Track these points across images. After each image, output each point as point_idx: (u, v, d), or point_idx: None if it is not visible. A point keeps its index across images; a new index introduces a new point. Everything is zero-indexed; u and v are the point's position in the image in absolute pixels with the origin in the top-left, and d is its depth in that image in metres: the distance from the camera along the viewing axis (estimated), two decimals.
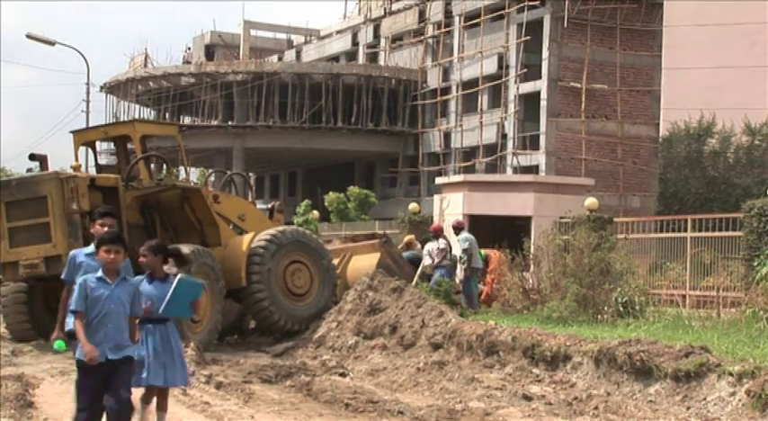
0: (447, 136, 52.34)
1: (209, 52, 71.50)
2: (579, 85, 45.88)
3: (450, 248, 22.59)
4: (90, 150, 20.92)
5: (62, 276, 10.19)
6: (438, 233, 22.88)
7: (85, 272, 9.15)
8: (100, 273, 8.28)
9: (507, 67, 48.03)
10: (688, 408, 11.66)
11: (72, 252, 10.28)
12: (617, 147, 46.65)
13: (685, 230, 23.06)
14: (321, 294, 19.28)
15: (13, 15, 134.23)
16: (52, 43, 42.30)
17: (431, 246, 22.41)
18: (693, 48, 39.32)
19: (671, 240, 23.42)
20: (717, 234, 22.32)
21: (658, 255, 23.72)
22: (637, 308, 18.08)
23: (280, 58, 65.32)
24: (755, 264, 19.14)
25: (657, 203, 47.09)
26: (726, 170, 46.37)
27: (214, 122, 57.79)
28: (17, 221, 17.36)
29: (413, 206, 32.43)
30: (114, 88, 60.12)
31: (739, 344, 13.87)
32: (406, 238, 25.41)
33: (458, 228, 22.88)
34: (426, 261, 22.27)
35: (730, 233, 21.88)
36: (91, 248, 9.79)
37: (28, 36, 41.41)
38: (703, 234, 22.63)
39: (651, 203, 46.83)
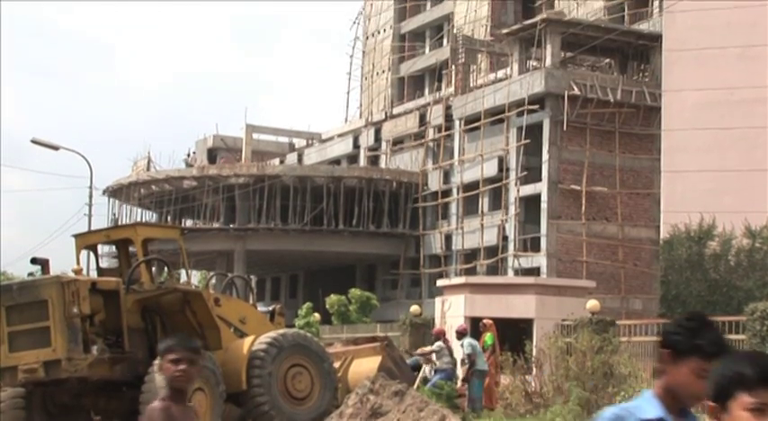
0: (448, 238, 52.40)
1: (212, 155, 72.03)
2: (579, 188, 46.08)
3: (450, 352, 22.53)
4: (92, 254, 20.94)
5: None
6: (439, 336, 22.88)
7: None
8: None
9: (508, 169, 48.31)
10: None
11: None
12: (618, 249, 46.67)
13: None
14: (322, 398, 19.10)
15: (15, 118, 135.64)
16: (56, 148, 42.60)
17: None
18: (692, 151, 39.59)
19: None
20: None
21: None
22: None
23: (281, 162, 65.75)
24: None
25: (660, 306, 46.86)
26: (727, 273, 46.25)
27: (216, 225, 57.91)
28: (17, 325, 17.29)
29: (414, 308, 32.31)
30: (117, 192, 60.38)
31: None
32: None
33: (461, 334, 22.83)
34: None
35: (733, 336, 21.77)
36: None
37: (33, 141, 41.70)
38: None
39: (653, 306, 46.63)
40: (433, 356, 22.47)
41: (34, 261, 18.63)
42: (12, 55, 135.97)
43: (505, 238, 48.17)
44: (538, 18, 47.49)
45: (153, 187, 59.43)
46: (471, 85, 52.60)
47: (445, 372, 22.00)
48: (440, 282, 32.20)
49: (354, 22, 74.27)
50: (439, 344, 22.58)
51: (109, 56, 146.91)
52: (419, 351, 24.06)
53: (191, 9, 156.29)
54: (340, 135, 65.50)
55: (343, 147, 62.71)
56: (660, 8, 46.97)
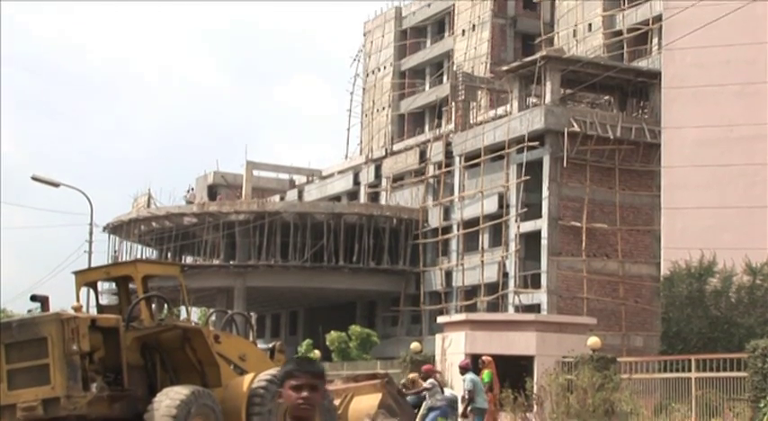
0: (448, 275, 52.35)
1: (212, 192, 72.12)
2: (579, 225, 46.09)
3: (442, 389, 22.51)
4: (92, 291, 20.90)
5: None
6: (429, 374, 22.86)
7: None
8: None
9: (508, 206, 48.34)
10: None
11: None
12: (618, 285, 46.61)
13: (689, 370, 22.88)
14: None
15: (15, 154, 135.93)
16: (57, 185, 42.60)
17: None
18: (692, 188, 39.61)
19: (675, 380, 23.22)
20: (721, 374, 22.15)
21: (663, 395, 23.49)
22: None
23: (282, 198, 65.83)
24: (761, 405, 18.94)
25: (660, 343, 46.75)
26: (728, 310, 46.15)
27: (216, 262, 57.88)
28: (17, 363, 17.22)
29: (414, 345, 32.23)
30: (117, 228, 60.40)
31: None
32: (410, 375, 25.24)
33: (464, 369, 22.79)
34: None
35: (735, 373, 21.71)
36: None
37: (33, 178, 41.72)
38: (708, 374, 22.46)
39: (654, 343, 46.49)
40: (426, 394, 22.37)
41: (34, 298, 18.60)
42: (12, 92, 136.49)
43: (506, 275, 48.13)
44: (537, 55, 47.68)
45: (153, 224, 59.46)
46: (471, 121, 52.75)
47: (440, 409, 21.95)
48: (440, 319, 32.15)
49: (355, 60, 74.67)
50: (431, 381, 22.53)
51: (110, 92, 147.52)
52: (412, 389, 23.94)
53: (192, 46, 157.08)
54: (340, 172, 65.61)
55: (344, 184, 62.79)
56: (659, 46, 47.19)
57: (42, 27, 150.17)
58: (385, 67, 71.37)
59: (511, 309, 46.30)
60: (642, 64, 50.47)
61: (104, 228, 60.43)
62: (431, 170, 54.62)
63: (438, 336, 30.15)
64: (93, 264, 37.81)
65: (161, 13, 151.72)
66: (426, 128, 66.35)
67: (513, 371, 24.33)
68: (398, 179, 58.00)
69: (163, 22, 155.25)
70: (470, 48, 62.66)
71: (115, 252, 60.45)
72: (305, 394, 5.12)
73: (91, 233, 43.40)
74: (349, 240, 55.31)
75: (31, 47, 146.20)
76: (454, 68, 61.12)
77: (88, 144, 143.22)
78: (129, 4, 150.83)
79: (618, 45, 54.68)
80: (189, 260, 61.36)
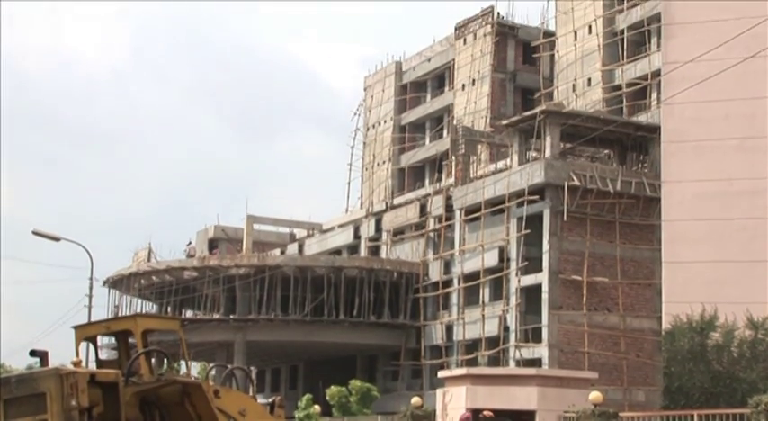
0: (449, 329, 52.21)
1: (213, 246, 72.12)
2: (580, 278, 46.03)
3: None
4: (91, 345, 20.82)
5: None
6: None
7: None
8: None
9: (508, 259, 48.32)
10: None
11: None
12: (620, 340, 46.45)
13: None
14: None
15: (15, 208, 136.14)
16: (57, 239, 42.62)
17: None
18: (693, 242, 39.60)
19: None
20: None
21: None
22: None
23: (282, 252, 65.83)
24: None
25: (663, 397, 46.50)
26: (730, 364, 45.97)
27: (216, 316, 57.80)
28: (16, 419, 17.12)
29: (415, 400, 32.09)
30: (117, 283, 60.35)
31: None
32: None
33: None
34: None
35: None
36: None
37: (34, 233, 41.74)
38: None
39: (656, 397, 46.24)
40: None
41: (33, 353, 18.52)
42: (12, 145, 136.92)
43: (507, 329, 47.99)
44: (537, 110, 47.92)
45: (153, 278, 59.40)
46: (471, 175, 52.87)
47: None
48: (441, 374, 32.03)
49: (355, 114, 75.03)
50: None
51: (110, 145, 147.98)
52: None
53: (193, 98, 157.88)
54: (341, 225, 65.65)
55: (344, 238, 62.82)
56: (658, 100, 47.44)
57: (44, 78, 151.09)
58: (385, 122, 71.69)
59: (512, 364, 46.12)
60: (641, 118, 50.72)
61: (104, 283, 60.40)
62: (431, 224, 54.67)
63: (439, 391, 30.01)
64: (92, 319, 37.73)
65: (162, 66, 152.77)
66: (427, 181, 66.51)
67: None
68: (399, 233, 58.03)
69: (164, 75, 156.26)
70: (470, 102, 62.98)
71: (115, 306, 60.40)
72: None
73: (91, 287, 43.40)
74: (349, 294, 55.23)
75: (32, 99, 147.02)
76: (454, 122, 61.39)
77: (88, 196, 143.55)
78: (131, 58, 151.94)
79: (617, 99, 54.98)
80: (189, 314, 61.23)
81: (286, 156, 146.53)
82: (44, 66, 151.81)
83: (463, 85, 64.67)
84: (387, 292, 55.16)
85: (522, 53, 64.56)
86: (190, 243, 71.75)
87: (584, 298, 45.89)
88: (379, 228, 59.83)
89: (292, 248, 67.54)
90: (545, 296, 46.18)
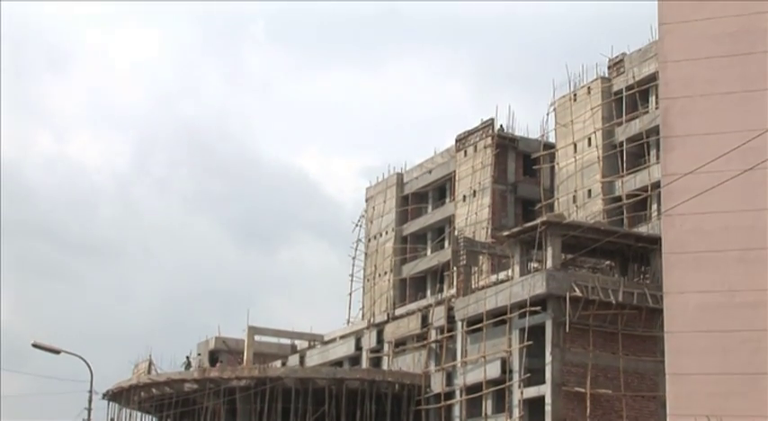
0: None
1: (213, 357, 71.71)
2: (583, 390, 45.68)
3: None
4: None
5: None
6: None
7: None
8: None
9: (510, 371, 48.00)
10: None
11: None
12: None
13: None
14: None
15: (14, 320, 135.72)
16: (57, 352, 42.46)
17: None
18: (696, 353, 39.34)
19: None
20: None
21: None
22: None
23: (283, 363, 65.41)
24: None
25: None
26: None
27: None
28: None
29: None
30: (117, 395, 59.86)
31: None
32: None
33: None
34: None
35: None
36: None
37: (34, 345, 41.59)
38: None
39: None
40: None
41: None
42: (11, 256, 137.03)
43: None
44: (538, 221, 48.13)
45: (153, 390, 58.92)
46: (473, 286, 52.85)
47: None
48: None
49: (357, 225, 75.33)
50: None
51: (111, 255, 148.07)
52: None
53: (193, 208, 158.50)
54: (342, 336, 65.37)
55: (345, 349, 62.49)
56: (658, 211, 47.67)
57: (44, 189, 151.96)
58: (387, 232, 71.98)
59: None
60: (642, 229, 50.93)
61: (104, 396, 59.87)
62: (433, 335, 54.45)
63: None
64: None
65: (163, 176, 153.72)
66: (428, 292, 66.48)
67: None
68: (400, 344, 57.75)
69: (165, 185, 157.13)
70: (471, 213, 63.33)
71: (113, 420, 59.77)
72: None
73: (90, 400, 43.08)
74: (351, 406, 54.75)
75: (33, 210, 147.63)
76: (455, 233, 61.63)
77: (89, 307, 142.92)
78: (130, 172, 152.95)
79: (618, 211, 55.29)
80: None
81: (287, 267, 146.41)
82: (47, 178, 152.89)
83: (464, 197, 65.11)
84: (388, 405, 54.67)
85: (522, 165, 65.16)
86: (187, 358, 71.27)
87: (588, 410, 45.48)
88: (380, 340, 59.56)
89: (293, 360, 67.12)
90: (548, 408, 45.78)
